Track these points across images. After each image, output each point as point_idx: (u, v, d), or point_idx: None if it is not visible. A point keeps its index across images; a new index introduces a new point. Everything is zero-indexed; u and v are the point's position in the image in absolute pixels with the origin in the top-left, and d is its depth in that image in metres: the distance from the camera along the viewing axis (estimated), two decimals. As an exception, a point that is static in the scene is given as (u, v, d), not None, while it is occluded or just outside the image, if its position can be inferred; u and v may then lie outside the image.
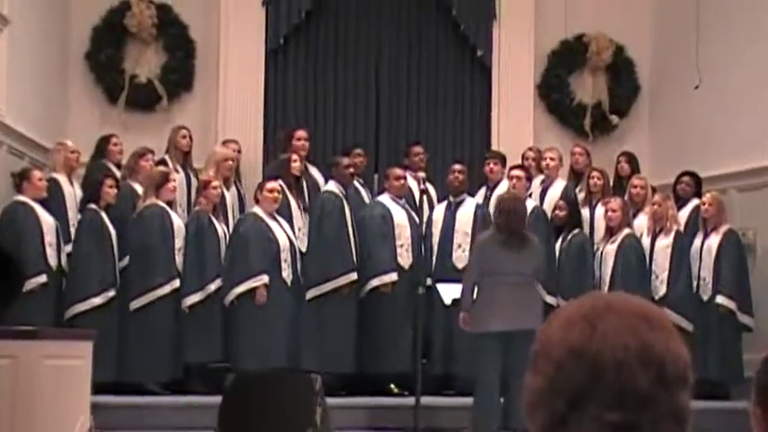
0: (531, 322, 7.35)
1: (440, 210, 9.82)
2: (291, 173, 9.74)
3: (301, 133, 10.32)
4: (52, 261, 8.83)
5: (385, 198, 9.65)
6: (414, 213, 9.47)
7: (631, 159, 10.69)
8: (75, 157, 9.74)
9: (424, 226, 9.36)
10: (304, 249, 9.46)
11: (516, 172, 9.89)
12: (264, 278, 8.98)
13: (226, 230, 9.36)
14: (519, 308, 7.74)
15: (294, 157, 9.82)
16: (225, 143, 10.37)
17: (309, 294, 9.18)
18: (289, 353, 9.04)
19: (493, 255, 8.03)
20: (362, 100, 11.72)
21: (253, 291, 8.95)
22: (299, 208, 9.74)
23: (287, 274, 9.15)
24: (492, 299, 7.97)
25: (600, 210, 9.89)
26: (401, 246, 9.41)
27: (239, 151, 10.46)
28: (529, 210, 8.98)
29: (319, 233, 9.34)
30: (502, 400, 8.03)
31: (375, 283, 9.28)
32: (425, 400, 8.05)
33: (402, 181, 9.65)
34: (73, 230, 9.26)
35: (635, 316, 1.47)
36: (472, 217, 9.67)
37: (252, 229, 9.11)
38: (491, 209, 9.96)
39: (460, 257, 9.52)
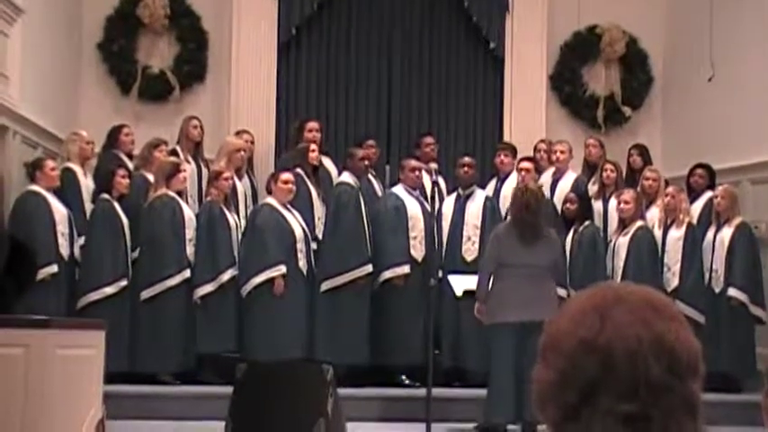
0: (545, 314, 7.29)
1: (449, 202, 9.80)
2: (310, 162, 9.75)
3: (313, 124, 10.32)
4: (64, 251, 8.84)
5: (399, 189, 9.63)
6: (427, 205, 9.46)
7: (643, 152, 10.65)
8: (90, 147, 9.76)
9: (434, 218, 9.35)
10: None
11: (525, 164, 9.90)
12: (282, 268, 8.98)
13: (237, 221, 9.36)
14: (533, 299, 7.72)
15: (312, 146, 9.83)
16: (238, 133, 10.38)
17: (325, 286, 9.19)
18: (303, 343, 9.05)
19: (508, 246, 8.01)
20: (374, 92, 11.71)
21: (269, 281, 8.95)
22: (319, 197, 9.76)
23: (303, 264, 9.17)
24: (507, 290, 7.96)
25: (613, 202, 9.87)
26: (414, 238, 9.39)
27: (252, 142, 10.47)
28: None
29: (335, 224, 9.33)
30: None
31: (388, 274, 9.28)
32: (437, 391, 8.04)
33: (417, 173, 9.63)
34: (89, 221, 9.28)
35: (645, 306, 1.47)
36: (482, 210, 9.65)
37: (269, 220, 9.11)
38: (502, 200, 9.99)
39: (470, 250, 9.51)
